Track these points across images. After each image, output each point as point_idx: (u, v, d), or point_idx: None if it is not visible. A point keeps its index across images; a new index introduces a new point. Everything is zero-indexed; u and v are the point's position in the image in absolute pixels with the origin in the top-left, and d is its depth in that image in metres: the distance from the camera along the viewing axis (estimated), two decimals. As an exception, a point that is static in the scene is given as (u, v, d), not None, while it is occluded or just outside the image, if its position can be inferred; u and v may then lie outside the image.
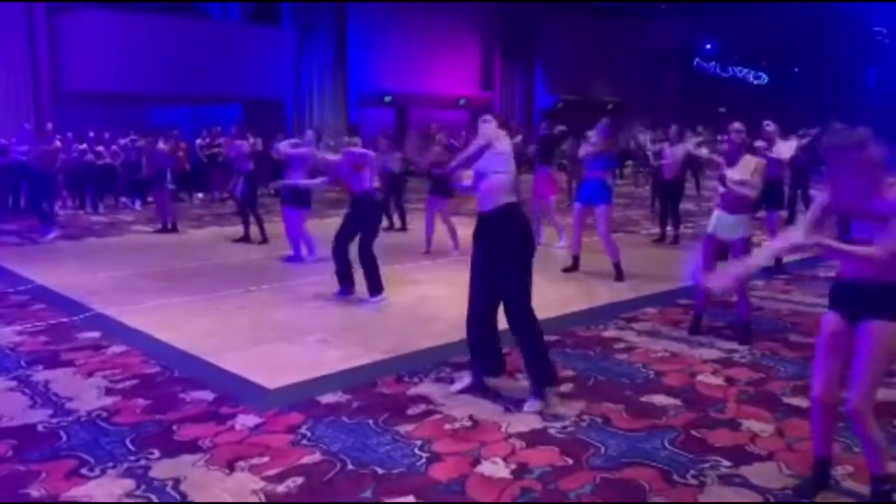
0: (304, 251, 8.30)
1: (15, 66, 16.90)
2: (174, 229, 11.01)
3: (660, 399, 4.12)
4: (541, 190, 9.29)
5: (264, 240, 9.67)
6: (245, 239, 9.83)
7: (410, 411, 3.97)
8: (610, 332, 5.47)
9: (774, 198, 7.89)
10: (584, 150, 7.66)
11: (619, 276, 7.27)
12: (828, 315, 2.97)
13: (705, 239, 5.41)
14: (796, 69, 26.81)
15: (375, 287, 6.36)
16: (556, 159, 10.49)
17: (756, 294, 6.46)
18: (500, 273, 4.04)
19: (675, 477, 3.22)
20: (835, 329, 2.92)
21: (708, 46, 29.91)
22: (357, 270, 6.45)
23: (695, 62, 29.85)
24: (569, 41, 26.12)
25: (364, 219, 6.46)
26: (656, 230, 9.97)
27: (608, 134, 7.47)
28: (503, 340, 4.32)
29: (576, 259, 7.66)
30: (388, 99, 23.52)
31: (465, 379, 4.33)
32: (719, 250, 5.33)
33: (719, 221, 5.29)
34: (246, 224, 9.90)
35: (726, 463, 3.34)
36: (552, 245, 9.01)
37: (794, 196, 10.44)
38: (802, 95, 24.37)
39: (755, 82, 29.36)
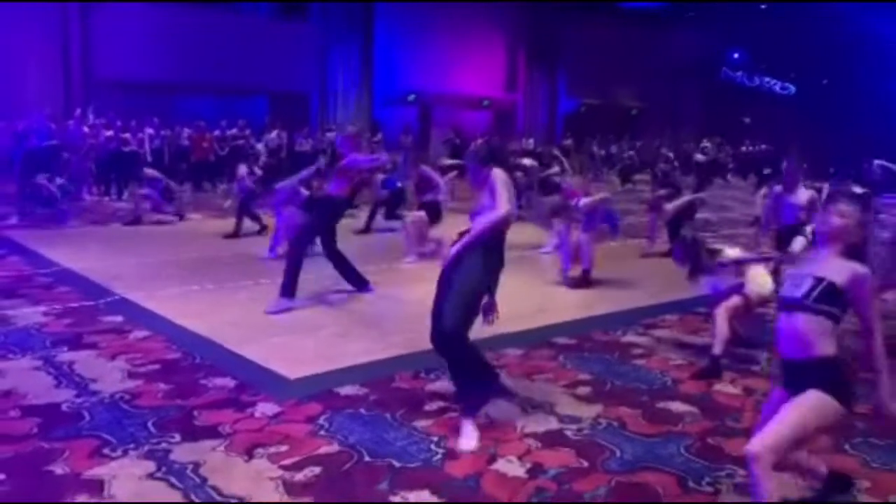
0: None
1: (47, 54, 17.15)
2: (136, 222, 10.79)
3: (676, 406, 4.13)
4: (570, 192, 9.25)
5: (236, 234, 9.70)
6: (235, 235, 9.69)
7: (427, 407, 4.00)
8: (628, 338, 5.47)
9: None
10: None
11: (587, 281, 7.15)
12: (774, 392, 2.90)
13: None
14: (825, 81, 26.56)
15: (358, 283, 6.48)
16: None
17: (773, 307, 6.42)
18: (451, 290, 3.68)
19: (691, 483, 3.23)
20: (778, 404, 2.78)
21: (736, 55, 29.70)
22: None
23: (722, 71, 29.65)
24: (593, 46, 26.06)
25: (322, 220, 6.45)
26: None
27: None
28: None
29: (587, 273, 7.36)
30: (411, 97, 23.60)
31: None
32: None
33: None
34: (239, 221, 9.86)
35: (742, 472, 3.34)
36: (540, 247, 9.03)
37: None
38: (829, 108, 24.15)
39: (782, 93, 29.11)
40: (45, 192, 10.82)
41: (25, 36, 16.73)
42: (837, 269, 2.71)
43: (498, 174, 3.79)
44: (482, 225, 3.72)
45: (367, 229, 10.58)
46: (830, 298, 2.69)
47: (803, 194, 6.54)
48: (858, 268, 2.71)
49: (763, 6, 25.57)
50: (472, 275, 3.68)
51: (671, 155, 20.65)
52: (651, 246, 9.48)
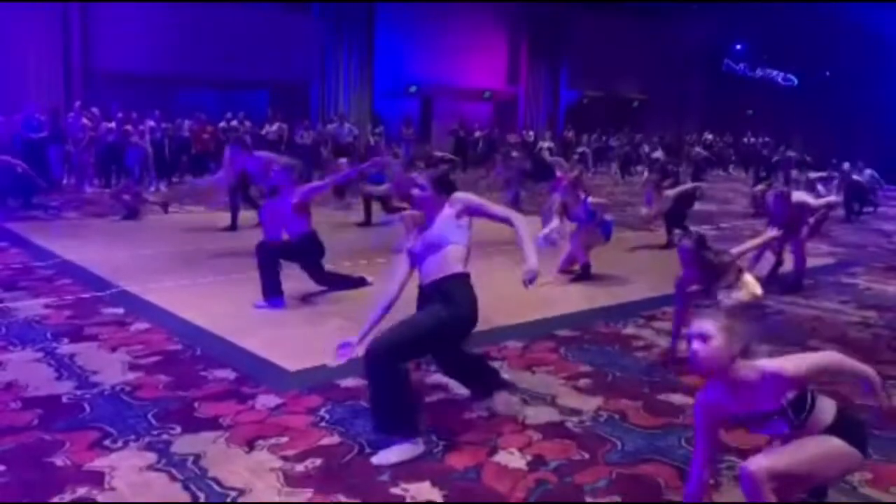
0: None
1: (47, 44, 17.08)
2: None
3: (677, 398, 4.12)
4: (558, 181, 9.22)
5: (233, 227, 9.60)
6: (233, 228, 9.65)
7: (428, 399, 3.99)
8: (629, 330, 5.47)
9: None
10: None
11: (587, 275, 7.11)
12: None
13: None
14: (827, 73, 26.46)
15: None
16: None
17: (777, 299, 6.43)
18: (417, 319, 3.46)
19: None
20: None
21: (738, 47, 29.59)
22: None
23: (724, 62, 29.54)
24: (595, 37, 25.95)
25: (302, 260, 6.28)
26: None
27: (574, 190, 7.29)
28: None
29: (586, 268, 7.28)
30: (412, 89, 23.53)
31: None
32: None
33: None
34: (234, 214, 9.78)
35: (742, 463, 3.33)
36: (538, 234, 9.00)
37: None
38: (832, 100, 24.05)
39: (784, 84, 29.01)
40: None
41: (26, 28, 16.66)
42: (771, 391, 2.45)
43: (465, 199, 3.60)
44: (526, 234, 3.61)
45: (367, 222, 10.56)
46: (799, 405, 2.46)
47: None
48: (777, 370, 2.44)
49: (765, -3, 25.46)
50: (441, 319, 3.40)
51: (650, 149, 20.64)
52: (650, 216, 9.44)
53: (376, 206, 10.63)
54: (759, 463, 2.42)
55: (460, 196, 3.62)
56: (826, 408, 2.52)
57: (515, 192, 12.45)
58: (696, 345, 2.45)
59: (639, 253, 8.97)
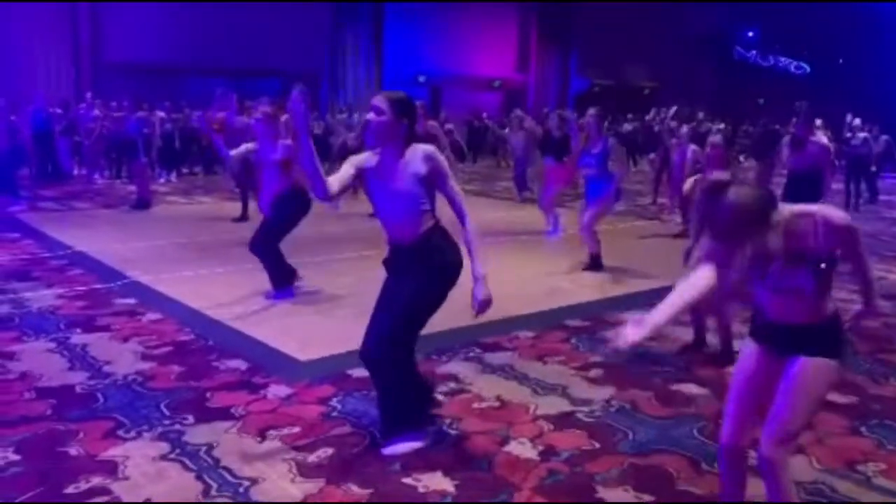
0: None
1: (57, 36, 17.15)
2: (144, 205, 10.66)
3: (689, 388, 4.11)
4: (552, 178, 9.18)
5: (244, 216, 9.48)
6: (243, 218, 9.58)
7: (439, 389, 3.99)
8: (640, 320, 5.44)
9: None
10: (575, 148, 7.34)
11: (597, 265, 7.03)
12: (748, 349, 2.51)
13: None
14: (840, 60, 26.22)
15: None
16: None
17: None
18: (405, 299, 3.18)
19: (704, 465, 3.21)
20: (756, 367, 2.47)
21: (750, 34, 29.34)
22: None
23: (735, 50, 29.31)
24: (605, 25, 25.78)
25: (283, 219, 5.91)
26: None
27: (595, 129, 7.08)
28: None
29: (595, 258, 7.16)
30: (421, 79, 23.47)
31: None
32: None
33: None
34: (245, 203, 9.77)
35: (756, 454, 3.32)
36: (545, 230, 8.99)
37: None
38: (845, 88, 23.84)
39: (797, 72, 28.77)
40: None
41: (35, 20, 16.72)
42: (808, 235, 2.28)
43: (437, 161, 3.12)
44: (477, 238, 3.19)
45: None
46: (830, 266, 2.33)
47: (813, 144, 6.46)
48: (836, 221, 2.28)
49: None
50: (430, 292, 3.19)
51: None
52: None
53: None
54: (775, 446, 2.34)
55: (431, 152, 3.13)
56: (830, 290, 2.41)
57: (523, 168, 12.40)
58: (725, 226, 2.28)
59: (650, 242, 8.93)
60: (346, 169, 3.19)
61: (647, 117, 21.23)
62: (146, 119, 13.42)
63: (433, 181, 3.13)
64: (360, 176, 3.20)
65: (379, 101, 3.11)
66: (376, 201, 3.21)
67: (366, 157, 3.23)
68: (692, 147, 8.52)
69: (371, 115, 3.11)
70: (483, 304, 3.17)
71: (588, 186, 7.25)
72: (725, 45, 28.97)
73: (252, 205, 9.62)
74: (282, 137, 5.94)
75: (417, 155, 3.11)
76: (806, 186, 6.36)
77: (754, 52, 29.53)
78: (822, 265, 2.30)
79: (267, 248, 5.77)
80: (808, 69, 28.66)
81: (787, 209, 2.30)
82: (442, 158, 3.21)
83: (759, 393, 2.46)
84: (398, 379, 3.22)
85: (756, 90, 28.01)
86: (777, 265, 2.32)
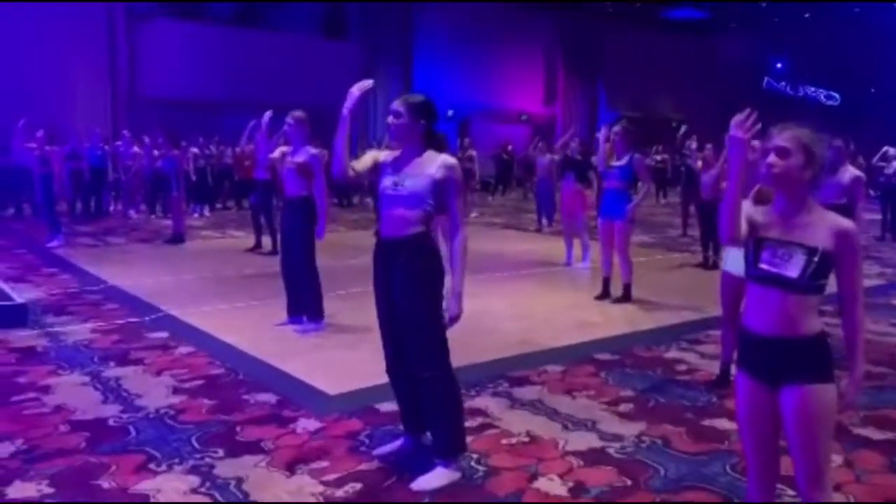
0: None
1: (95, 71, 17.66)
2: (178, 239, 10.84)
3: (722, 423, 4.04)
4: (569, 205, 9.17)
5: (274, 250, 9.48)
6: (257, 247, 9.89)
7: (468, 424, 3.95)
8: (672, 354, 5.39)
9: None
10: (597, 160, 7.39)
11: (627, 296, 6.98)
12: (741, 386, 2.41)
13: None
14: (872, 90, 25.97)
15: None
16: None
17: (825, 321, 6.27)
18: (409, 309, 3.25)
19: (735, 500, 3.15)
20: (754, 408, 2.37)
21: (779, 65, 29.24)
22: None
23: (765, 80, 29.19)
24: (634, 57, 25.93)
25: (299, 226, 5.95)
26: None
27: (622, 142, 7.00)
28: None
29: (606, 282, 7.19)
30: (450, 113, 23.71)
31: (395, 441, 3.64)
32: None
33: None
34: (257, 232, 10.01)
35: (791, 492, 3.24)
36: (576, 264, 8.94)
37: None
38: (878, 117, 23.57)
39: (827, 103, 28.54)
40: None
41: (74, 55, 17.25)
42: (822, 230, 2.26)
43: (453, 170, 3.21)
44: (462, 256, 3.22)
45: None
46: (823, 269, 2.26)
47: (847, 174, 6.36)
48: (846, 225, 2.28)
49: (807, 15, 25.16)
50: (436, 301, 3.24)
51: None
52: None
53: None
54: (811, 491, 2.28)
55: (452, 163, 3.23)
56: (817, 308, 2.34)
57: (547, 186, 12.50)
58: (773, 158, 2.30)
59: (680, 274, 8.86)
60: (367, 158, 3.41)
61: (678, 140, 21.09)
62: (180, 157, 13.72)
63: (444, 188, 3.21)
64: (377, 169, 3.36)
65: (397, 104, 3.28)
66: (382, 190, 3.30)
67: (386, 154, 3.41)
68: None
69: (391, 119, 3.27)
70: (452, 321, 3.26)
71: (605, 198, 7.19)
72: (754, 76, 28.88)
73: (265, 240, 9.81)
74: (311, 144, 6.02)
75: (437, 160, 3.23)
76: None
77: (784, 82, 29.38)
78: (816, 259, 2.23)
79: (307, 270, 5.82)
80: (839, 99, 28.41)
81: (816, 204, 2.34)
82: (460, 172, 3.31)
83: (767, 433, 2.37)
84: (454, 401, 3.31)
85: (785, 120, 27.77)
86: (771, 248, 2.30)
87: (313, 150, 5.96)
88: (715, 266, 9.11)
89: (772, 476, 2.44)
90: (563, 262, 9.13)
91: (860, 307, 2.34)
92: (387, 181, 3.27)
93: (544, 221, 13.02)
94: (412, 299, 3.22)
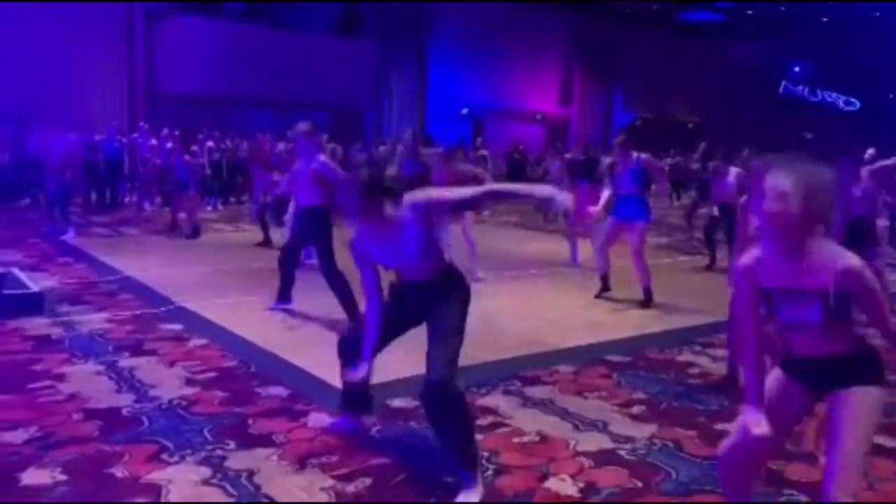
0: None
1: (113, 67, 17.78)
2: (195, 234, 10.93)
3: (734, 427, 4.01)
4: (583, 205, 9.13)
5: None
6: (266, 243, 9.92)
7: (478, 422, 3.97)
8: (684, 357, 5.37)
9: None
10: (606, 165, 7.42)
11: (648, 301, 6.93)
12: (774, 374, 2.44)
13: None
14: (892, 95, 25.75)
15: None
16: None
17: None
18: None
19: (749, 507, 3.13)
20: (780, 388, 2.40)
21: (797, 69, 29.04)
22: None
23: (782, 84, 29.00)
24: (650, 59, 25.83)
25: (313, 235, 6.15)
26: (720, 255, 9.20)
27: (623, 152, 7.08)
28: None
29: (605, 279, 7.24)
30: (464, 111, 23.72)
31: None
32: None
33: None
34: (265, 228, 10.08)
35: (803, 498, 3.24)
36: (590, 265, 8.89)
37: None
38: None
39: (846, 108, 28.32)
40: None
41: (91, 51, 17.37)
42: (827, 273, 2.21)
43: (423, 201, 3.13)
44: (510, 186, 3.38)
45: None
46: (844, 303, 2.22)
47: (860, 187, 6.31)
48: (849, 264, 2.19)
49: (825, 18, 24.98)
50: (462, 314, 3.26)
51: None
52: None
53: None
54: (840, 492, 2.22)
55: (417, 198, 3.11)
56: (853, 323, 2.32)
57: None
58: (769, 204, 2.19)
59: (691, 277, 8.82)
60: (365, 273, 3.31)
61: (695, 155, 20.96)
62: (193, 163, 13.84)
63: (429, 220, 3.16)
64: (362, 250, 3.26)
65: (348, 187, 3.14)
66: (383, 258, 3.26)
67: (355, 234, 3.28)
68: (734, 170, 8.40)
69: (341, 203, 3.23)
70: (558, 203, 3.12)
71: (618, 202, 7.15)
72: (772, 79, 28.70)
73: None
74: (321, 154, 6.08)
75: (403, 210, 3.10)
76: (860, 231, 6.24)
77: (802, 86, 29.17)
78: (831, 300, 2.20)
79: (330, 277, 5.85)
80: (858, 105, 28.19)
81: (824, 241, 2.24)
82: (430, 196, 3.20)
83: (776, 423, 2.35)
84: (464, 412, 3.19)
85: (803, 125, 27.64)
86: (783, 298, 2.28)
87: (324, 159, 6.02)
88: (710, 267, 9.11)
89: (751, 476, 2.49)
90: (568, 261, 9.09)
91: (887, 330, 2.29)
92: (379, 250, 3.22)
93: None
94: (447, 316, 3.21)
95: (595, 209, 7.74)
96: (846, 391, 2.27)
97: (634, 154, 7.07)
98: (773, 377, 2.45)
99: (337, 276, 5.86)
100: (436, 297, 3.24)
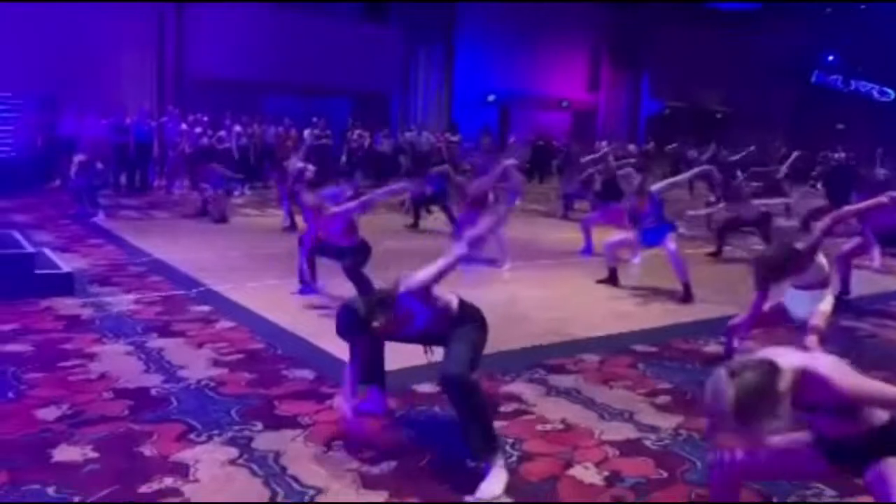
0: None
1: (143, 51, 17.92)
2: (223, 218, 10.95)
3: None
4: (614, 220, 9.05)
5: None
6: (293, 227, 9.97)
7: (502, 409, 3.98)
8: (711, 348, 5.32)
9: None
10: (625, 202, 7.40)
11: (688, 296, 6.81)
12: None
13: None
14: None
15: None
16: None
17: (869, 321, 6.15)
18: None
19: (775, 500, 3.11)
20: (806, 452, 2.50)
21: (830, 58, 28.47)
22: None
23: (815, 74, 28.46)
24: (679, 47, 25.43)
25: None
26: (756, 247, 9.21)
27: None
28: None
29: (613, 271, 7.31)
30: (491, 98, 23.61)
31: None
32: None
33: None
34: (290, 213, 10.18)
35: (831, 492, 3.20)
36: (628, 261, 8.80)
37: None
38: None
39: (880, 99, 27.74)
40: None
41: (123, 35, 17.51)
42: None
43: (414, 286, 3.34)
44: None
45: (415, 224, 10.92)
46: (843, 411, 2.32)
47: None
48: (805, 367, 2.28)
49: (862, 6, 24.45)
50: (478, 335, 3.49)
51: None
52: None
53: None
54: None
55: (410, 286, 3.32)
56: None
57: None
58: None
59: (717, 267, 8.72)
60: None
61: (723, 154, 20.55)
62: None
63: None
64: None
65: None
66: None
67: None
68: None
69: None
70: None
71: (645, 233, 7.13)
72: (804, 68, 28.17)
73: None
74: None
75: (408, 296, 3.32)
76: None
77: (835, 76, 28.60)
78: (836, 411, 2.30)
79: (356, 281, 5.91)
80: (893, 95, 27.60)
81: (789, 371, 2.24)
82: (415, 278, 3.35)
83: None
84: (481, 404, 3.21)
85: (835, 116, 27.12)
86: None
87: (343, 211, 6.13)
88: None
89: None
90: (581, 250, 9.00)
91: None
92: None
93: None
94: (465, 331, 3.41)
95: (634, 261, 7.91)
96: (880, 463, 2.32)
97: (650, 189, 7.08)
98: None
99: (362, 279, 5.93)
100: (455, 327, 3.42)
